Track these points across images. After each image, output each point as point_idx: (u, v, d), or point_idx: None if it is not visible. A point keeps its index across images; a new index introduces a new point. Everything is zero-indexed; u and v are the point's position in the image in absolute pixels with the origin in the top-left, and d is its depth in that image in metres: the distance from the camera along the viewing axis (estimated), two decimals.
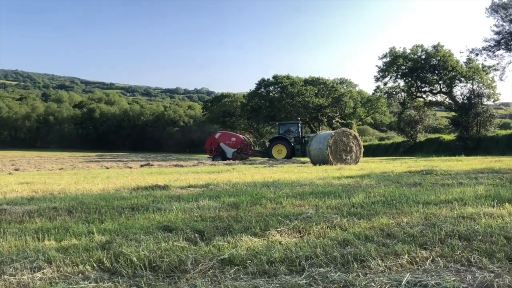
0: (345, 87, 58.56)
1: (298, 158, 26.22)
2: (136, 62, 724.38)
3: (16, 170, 16.88)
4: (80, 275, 2.66)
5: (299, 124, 28.81)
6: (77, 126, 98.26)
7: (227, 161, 23.95)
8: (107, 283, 2.52)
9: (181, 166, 18.75)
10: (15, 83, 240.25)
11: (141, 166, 19.73)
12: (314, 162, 16.89)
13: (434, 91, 39.05)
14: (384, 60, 39.28)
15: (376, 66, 40.46)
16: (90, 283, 2.51)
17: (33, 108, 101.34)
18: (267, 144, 30.08)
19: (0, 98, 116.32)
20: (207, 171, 12.75)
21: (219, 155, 27.33)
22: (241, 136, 28.98)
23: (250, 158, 28.06)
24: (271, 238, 3.37)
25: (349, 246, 3.09)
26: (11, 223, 4.25)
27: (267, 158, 26.53)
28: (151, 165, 19.89)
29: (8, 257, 2.97)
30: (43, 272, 2.68)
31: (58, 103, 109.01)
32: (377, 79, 40.48)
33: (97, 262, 2.87)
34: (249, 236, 3.45)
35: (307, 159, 25.74)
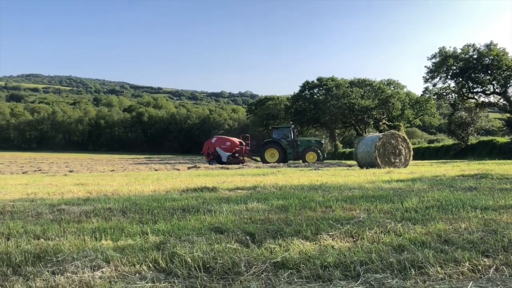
0: (392, 88, 57.13)
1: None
2: (183, 67, 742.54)
3: (71, 171, 17.65)
4: (137, 274, 2.73)
5: (291, 128, 29.12)
6: (126, 129, 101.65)
7: (272, 164, 24.07)
8: (163, 283, 2.57)
9: (227, 168, 18.93)
10: (69, 88, 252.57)
11: (188, 168, 20.10)
12: (361, 165, 16.60)
13: (487, 92, 37.34)
14: (433, 60, 37.94)
15: (425, 66, 39.18)
16: (147, 283, 2.57)
17: (85, 112, 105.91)
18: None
19: (55, 102, 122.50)
20: (253, 173, 12.81)
21: (215, 158, 27.97)
22: (236, 140, 29.27)
23: (293, 161, 28.13)
24: (323, 242, 3.32)
25: (405, 252, 2.99)
26: (70, 223, 4.43)
27: (261, 162, 27.26)
28: (198, 167, 20.22)
29: (69, 255, 3.09)
30: (102, 271, 2.76)
31: (108, 107, 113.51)
32: (426, 80, 39.15)
33: (152, 262, 2.93)
34: (301, 239, 3.42)
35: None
